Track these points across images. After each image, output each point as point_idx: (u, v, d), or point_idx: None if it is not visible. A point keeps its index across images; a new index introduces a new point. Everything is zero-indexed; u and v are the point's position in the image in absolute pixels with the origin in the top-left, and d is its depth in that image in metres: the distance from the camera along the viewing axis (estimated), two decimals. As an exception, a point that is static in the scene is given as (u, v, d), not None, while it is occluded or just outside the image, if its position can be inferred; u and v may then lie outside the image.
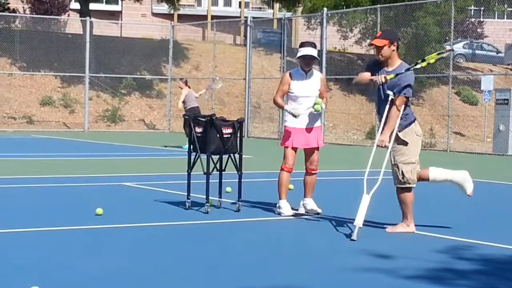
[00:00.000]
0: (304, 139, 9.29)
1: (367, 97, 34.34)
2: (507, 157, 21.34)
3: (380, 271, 6.33)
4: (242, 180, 9.51)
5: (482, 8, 43.39)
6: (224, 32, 46.77)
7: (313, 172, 9.39)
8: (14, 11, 40.82)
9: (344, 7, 34.21)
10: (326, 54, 26.54)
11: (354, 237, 7.70)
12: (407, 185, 8.12)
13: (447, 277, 6.24)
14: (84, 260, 6.54)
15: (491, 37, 47.91)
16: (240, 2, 55.17)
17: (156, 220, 8.76)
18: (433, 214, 9.67)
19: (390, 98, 8.07)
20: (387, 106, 8.09)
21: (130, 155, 18.85)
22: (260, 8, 54.55)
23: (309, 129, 9.30)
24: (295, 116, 9.22)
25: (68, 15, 43.38)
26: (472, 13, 44.36)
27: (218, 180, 9.57)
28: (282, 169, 9.31)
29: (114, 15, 52.40)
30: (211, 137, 9.17)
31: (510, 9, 40.40)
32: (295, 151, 9.35)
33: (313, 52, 9.21)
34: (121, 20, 51.09)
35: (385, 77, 8.06)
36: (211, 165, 9.29)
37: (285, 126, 9.44)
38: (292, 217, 9.16)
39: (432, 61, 8.47)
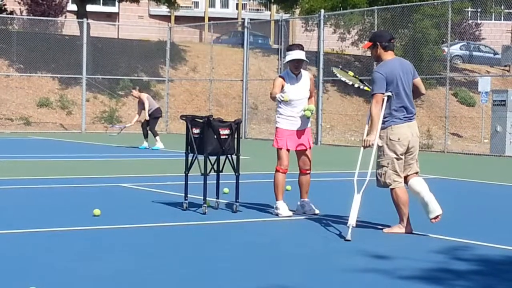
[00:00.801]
0: (296, 141, 9.36)
1: (364, 99, 34.36)
2: (504, 158, 21.36)
3: (377, 272, 6.34)
4: (240, 181, 9.52)
5: (479, 10, 43.44)
6: (222, 34, 46.76)
7: (307, 172, 9.43)
8: (11, 12, 40.82)
9: (342, 8, 34.23)
10: (323, 55, 26.55)
11: (348, 237, 7.71)
12: (383, 187, 8.17)
13: (444, 277, 6.25)
14: (81, 262, 6.54)
15: (488, 38, 47.97)
16: (237, 4, 55.22)
17: (154, 221, 8.77)
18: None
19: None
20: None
21: (128, 156, 18.84)
22: (257, 9, 54.59)
23: (300, 131, 9.37)
24: (284, 101, 9.21)
25: (65, 16, 43.41)
26: (469, 15, 44.42)
27: (215, 181, 9.58)
28: (277, 171, 9.34)
29: (111, 17, 52.43)
30: (208, 138, 9.18)
31: (507, 10, 40.46)
32: (289, 152, 9.39)
33: (302, 55, 9.28)
34: (118, 21, 51.11)
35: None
36: (209, 166, 9.30)
37: (277, 127, 9.44)
38: (289, 218, 9.17)
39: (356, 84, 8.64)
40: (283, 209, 9.28)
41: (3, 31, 34.44)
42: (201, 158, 9.31)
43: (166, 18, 51.72)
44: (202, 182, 9.22)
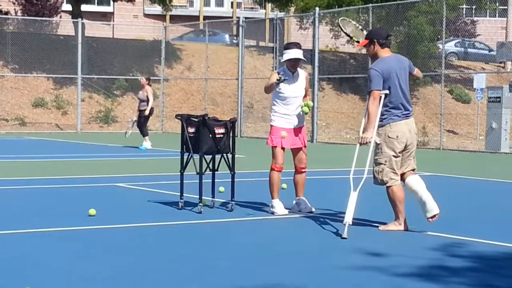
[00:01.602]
0: (291, 139, 9.34)
1: (360, 96, 34.37)
2: (500, 154, 21.39)
3: (373, 269, 6.34)
4: (235, 180, 9.51)
5: (473, 7, 43.46)
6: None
7: (303, 170, 9.43)
8: (6, 13, 40.74)
9: (337, 6, 34.23)
10: (318, 53, 26.55)
11: (344, 235, 7.71)
12: (380, 184, 8.16)
13: (440, 274, 6.25)
14: (77, 262, 6.53)
15: (483, 35, 47.99)
16: (232, 3, 55.19)
17: (149, 220, 8.76)
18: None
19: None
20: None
21: (123, 156, 18.83)
22: (252, 8, 54.55)
23: (296, 129, 9.36)
24: (279, 81, 9.19)
25: (60, 16, 43.33)
26: (464, 12, 44.43)
27: (211, 180, 9.58)
28: (272, 169, 9.33)
29: (106, 16, 52.37)
30: (203, 137, 9.17)
31: (502, 7, 40.48)
32: (284, 150, 9.38)
33: (300, 54, 9.28)
34: (113, 21, 51.05)
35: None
36: (204, 165, 9.29)
37: (271, 125, 9.43)
38: (285, 216, 9.17)
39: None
40: (278, 207, 9.28)
41: (-3, 31, 34.43)
42: (196, 157, 9.30)
43: (161, 17, 51.67)
44: (198, 181, 9.21)
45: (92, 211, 8.93)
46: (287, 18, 41.85)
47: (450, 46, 41.35)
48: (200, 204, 9.28)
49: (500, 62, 40.50)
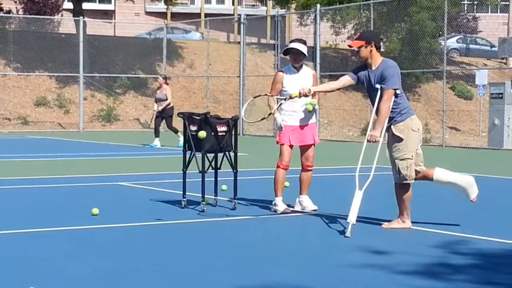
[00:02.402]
0: (300, 136, 9.29)
1: (362, 94, 34.35)
2: (503, 151, 21.38)
3: (376, 267, 6.34)
4: (238, 178, 9.52)
5: (475, 2, 43.42)
6: (218, 30, 46.77)
7: (309, 168, 9.39)
8: (7, 12, 40.74)
9: (337, 3, 34.21)
10: (319, 50, 26.54)
11: (347, 233, 7.71)
12: (405, 182, 8.12)
13: (443, 272, 6.25)
14: (79, 261, 6.54)
15: (485, 31, 47.95)
16: (233, 0, 55.16)
17: (152, 219, 8.76)
18: (428, 209, 9.68)
19: (379, 92, 8.10)
20: (377, 100, 8.12)
21: (126, 154, 18.84)
22: (253, 5, 54.56)
23: (304, 126, 9.31)
24: (284, 99, 9.17)
25: (61, 15, 43.32)
26: (466, 8, 44.40)
27: (213, 179, 9.58)
28: (278, 167, 9.31)
29: (108, 14, 52.37)
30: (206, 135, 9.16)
31: (503, 3, 40.43)
32: (291, 148, 9.34)
33: (300, 47, 9.21)
34: (115, 19, 51.06)
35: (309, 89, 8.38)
36: (206, 164, 9.29)
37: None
38: (288, 214, 9.16)
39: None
40: (281, 205, 9.28)
41: (-1, 30, 34.44)
42: (198, 155, 9.30)
43: (162, 15, 51.67)
44: (200, 179, 9.22)
45: (95, 211, 8.94)
46: (288, 15, 41.81)
47: (452, 42, 41.31)
48: (203, 202, 9.28)
49: (502, 58, 40.45)
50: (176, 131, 20.70)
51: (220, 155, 9.44)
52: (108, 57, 34.88)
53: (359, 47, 8.23)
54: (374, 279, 5.99)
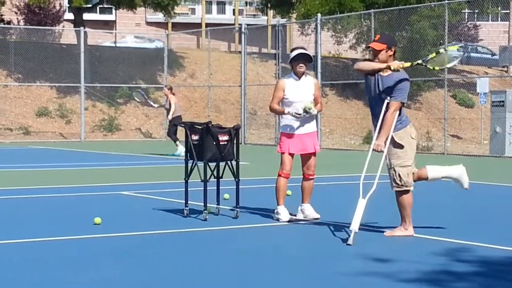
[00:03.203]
0: (300, 145, 9.29)
1: (364, 102, 34.35)
2: (504, 158, 21.37)
3: (378, 275, 6.34)
4: (240, 186, 9.52)
5: (476, 11, 43.47)
6: (219, 40, 46.83)
7: (310, 177, 9.39)
8: (8, 22, 40.82)
9: (338, 12, 34.25)
10: (321, 59, 26.57)
11: (350, 241, 7.69)
12: (404, 188, 8.12)
13: (445, 279, 6.24)
14: (81, 271, 6.53)
15: (486, 39, 48.01)
16: (234, 10, 55.28)
17: (155, 228, 8.76)
18: (430, 216, 9.67)
19: (386, 103, 8.09)
20: (383, 110, 8.10)
21: (127, 164, 18.85)
22: (254, 15, 54.65)
23: (305, 135, 9.31)
24: (299, 115, 9.16)
25: (63, 25, 43.42)
26: (467, 16, 44.45)
27: (215, 187, 9.58)
28: (279, 175, 9.31)
29: (109, 25, 52.45)
30: (207, 144, 9.18)
31: (504, 11, 40.49)
32: (292, 157, 9.34)
33: (305, 51, 9.23)
34: (116, 29, 51.12)
35: (402, 64, 8.14)
36: (208, 173, 9.30)
37: (281, 132, 9.44)
38: (290, 223, 9.16)
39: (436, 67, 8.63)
40: (283, 214, 9.27)
41: (0, 41, 34.47)
42: (200, 164, 9.31)
43: (163, 25, 51.78)
44: (203, 188, 9.22)
45: (98, 220, 8.94)
46: (289, 24, 41.87)
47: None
48: (205, 211, 9.28)
49: (503, 66, 40.49)
50: (175, 140, 20.75)
51: (222, 164, 9.45)
52: (109, 67, 34.92)
53: (380, 50, 8.20)
54: (377, 287, 5.99)
